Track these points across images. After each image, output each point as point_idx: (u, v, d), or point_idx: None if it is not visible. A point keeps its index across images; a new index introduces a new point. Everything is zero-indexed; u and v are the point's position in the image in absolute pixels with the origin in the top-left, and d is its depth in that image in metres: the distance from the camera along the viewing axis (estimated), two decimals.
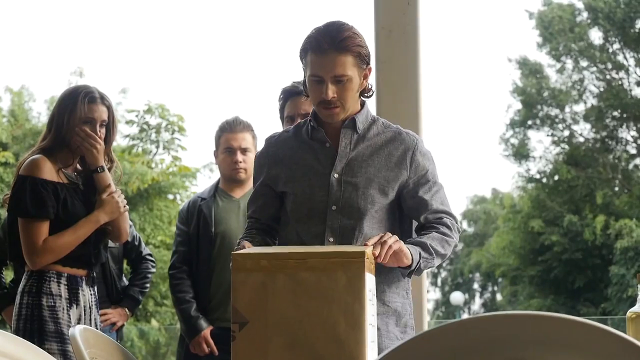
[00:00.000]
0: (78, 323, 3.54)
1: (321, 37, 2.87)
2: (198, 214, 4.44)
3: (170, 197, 20.76)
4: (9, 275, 4.86)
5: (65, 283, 3.57)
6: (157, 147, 21.12)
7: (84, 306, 3.61)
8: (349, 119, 2.97)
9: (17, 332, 3.48)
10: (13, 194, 3.60)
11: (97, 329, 3.60)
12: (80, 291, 3.60)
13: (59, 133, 3.64)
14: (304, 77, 2.97)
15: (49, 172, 3.58)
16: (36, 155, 3.62)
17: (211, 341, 4.31)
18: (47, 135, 3.67)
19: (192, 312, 4.34)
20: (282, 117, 3.82)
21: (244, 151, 4.46)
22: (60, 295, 3.54)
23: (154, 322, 20.11)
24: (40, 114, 21.96)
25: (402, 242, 2.74)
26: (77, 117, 3.62)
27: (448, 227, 2.96)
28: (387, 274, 2.89)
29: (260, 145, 3.16)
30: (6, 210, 3.68)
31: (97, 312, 3.72)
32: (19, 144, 20.15)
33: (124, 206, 3.72)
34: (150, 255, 4.77)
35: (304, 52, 2.92)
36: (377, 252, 2.62)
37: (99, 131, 3.66)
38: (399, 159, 2.97)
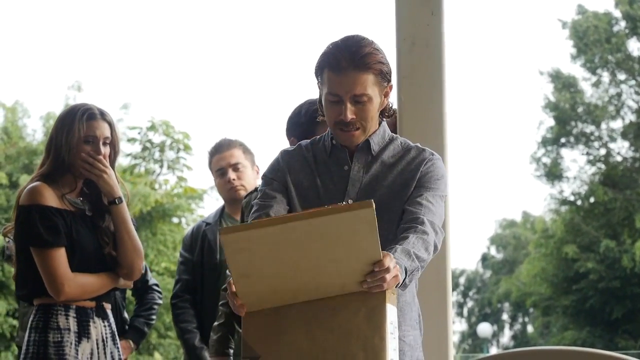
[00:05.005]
0: (90, 358, 3.56)
1: (339, 54, 2.84)
2: (202, 240, 4.46)
3: (175, 220, 20.76)
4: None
5: (75, 316, 3.56)
6: (161, 166, 21.12)
7: (96, 339, 3.60)
8: (363, 141, 2.96)
9: None
10: (20, 225, 3.56)
11: None
12: (91, 324, 3.60)
13: (58, 156, 3.61)
14: (320, 95, 2.96)
15: (51, 199, 3.56)
16: (35, 182, 3.60)
17: None
18: (46, 159, 3.65)
19: (197, 343, 4.36)
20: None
21: (235, 168, 4.50)
22: (69, 329, 3.53)
23: (157, 356, 20.08)
24: (35, 131, 22.02)
25: (398, 271, 2.51)
26: (76, 137, 3.61)
27: (424, 224, 2.78)
28: (400, 304, 2.86)
29: (267, 158, 3.15)
30: (15, 245, 3.64)
31: (115, 345, 3.69)
32: (13, 164, 20.20)
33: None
34: (156, 285, 4.77)
35: (320, 70, 2.91)
36: (368, 282, 2.41)
37: (103, 150, 3.64)
38: (413, 170, 2.93)
